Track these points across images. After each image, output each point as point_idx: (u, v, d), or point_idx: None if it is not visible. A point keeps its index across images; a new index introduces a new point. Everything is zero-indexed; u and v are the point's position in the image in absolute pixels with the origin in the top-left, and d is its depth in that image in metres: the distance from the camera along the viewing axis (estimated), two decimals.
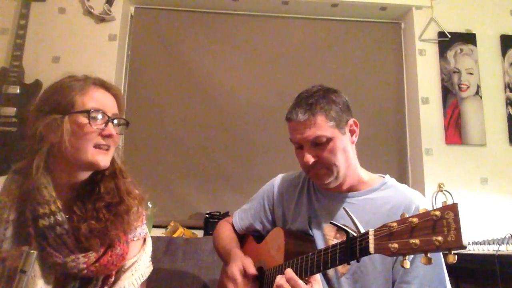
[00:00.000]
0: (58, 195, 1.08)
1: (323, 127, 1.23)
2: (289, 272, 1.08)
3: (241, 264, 1.32)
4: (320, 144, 1.24)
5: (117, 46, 2.66)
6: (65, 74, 1.15)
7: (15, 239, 1.03)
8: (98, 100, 1.11)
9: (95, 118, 1.08)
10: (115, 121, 1.13)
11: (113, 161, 1.17)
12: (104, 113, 1.10)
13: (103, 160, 1.10)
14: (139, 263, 1.21)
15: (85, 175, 1.14)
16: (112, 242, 1.13)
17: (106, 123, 1.10)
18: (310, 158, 1.24)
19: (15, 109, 2.40)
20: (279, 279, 1.09)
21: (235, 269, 1.31)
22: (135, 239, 1.23)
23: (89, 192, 1.15)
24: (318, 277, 1.11)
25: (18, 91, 2.43)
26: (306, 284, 1.07)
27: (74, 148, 1.05)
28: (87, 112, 1.06)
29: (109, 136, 1.10)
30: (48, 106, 1.09)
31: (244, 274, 1.31)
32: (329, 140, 1.24)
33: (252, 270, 1.30)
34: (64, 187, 1.12)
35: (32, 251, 0.78)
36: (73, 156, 1.06)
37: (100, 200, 1.13)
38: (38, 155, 1.06)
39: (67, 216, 1.08)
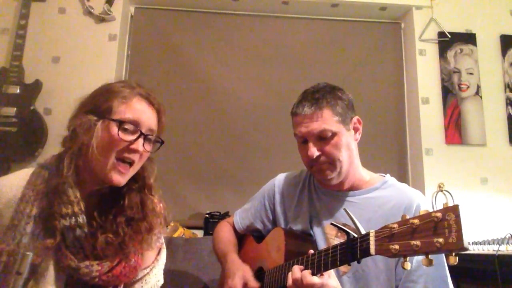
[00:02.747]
0: (82, 197, 1.06)
1: (329, 121, 1.24)
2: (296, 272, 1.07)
3: (242, 276, 1.31)
4: (325, 139, 1.24)
5: (117, 46, 2.66)
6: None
7: (34, 234, 1.01)
8: (137, 112, 1.07)
9: (127, 131, 1.05)
10: (148, 138, 1.10)
11: (144, 176, 1.15)
12: (137, 127, 1.06)
13: (118, 178, 1.06)
14: (150, 275, 1.18)
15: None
16: (128, 254, 1.10)
17: (137, 138, 1.06)
18: (315, 152, 1.24)
19: (15, 109, 2.39)
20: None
21: (238, 282, 1.30)
22: (149, 248, 1.18)
23: (112, 202, 1.12)
24: (332, 271, 1.08)
25: (18, 91, 2.43)
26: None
27: (98, 153, 1.03)
28: (119, 122, 1.04)
29: (135, 151, 1.06)
30: (89, 105, 1.08)
31: (245, 286, 1.31)
32: (334, 134, 1.24)
33: (254, 284, 1.30)
34: (88, 191, 1.09)
35: (27, 253, 0.76)
36: (95, 162, 1.04)
37: (121, 214, 1.10)
38: (69, 153, 1.05)
39: (87, 220, 1.06)
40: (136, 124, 1.06)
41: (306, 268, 1.09)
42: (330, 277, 1.06)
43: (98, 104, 1.07)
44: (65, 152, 1.06)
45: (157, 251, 1.23)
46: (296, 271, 1.07)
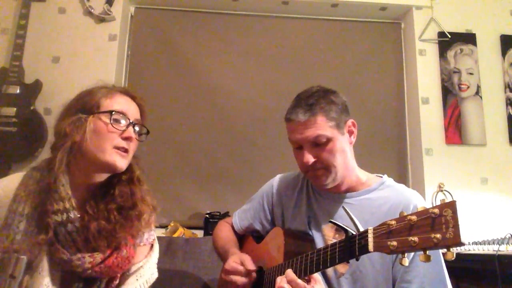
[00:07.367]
0: (73, 193, 1.10)
1: (323, 127, 1.24)
2: (290, 273, 1.07)
3: (239, 258, 1.33)
4: (319, 145, 1.24)
5: (117, 46, 2.66)
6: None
7: (27, 232, 1.05)
8: (123, 104, 1.17)
9: (117, 121, 1.13)
10: (136, 128, 1.18)
11: (132, 169, 1.21)
12: (126, 117, 1.15)
13: (120, 162, 1.13)
14: (144, 268, 1.22)
15: (102, 177, 1.16)
16: (119, 245, 1.14)
17: (127, 127, 1.14)
18: (310, 158, 1.25)
19: (15, 109, 2.40)
20: (280, 281, 1.08)
21: (232, 262, 1.31)
22: (141, 244, 1.23)
23: (104, 193, 1.17)
24: (318, 276, 1.11)
25: (18, 91, 2.43)
26: (307, 283, 1.06)
27: (94, 146, 1.09)
28: (110, 113, 1.12)
29: (129, 138, 1.14)
30: (75, 107, 1.15)
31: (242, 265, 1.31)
32: (329, 140, 1.24)
33: (251, 265, 1.30)
34: (80, 186, 1.14)
35: (22, 257, 0.78)
36: (93, 154, 1.10)
37: (112, 202, 1.15)
38: (61, 150, 1.09)
39: (79, 215, 1.10)
40: (124, 113, 1.15)
41: (305, 267, 1.10)
42: (317, 283, 1.08)
43: (84, 103, 1.14)
44: (57, 149, 1.10)
45: (149, 246, 1.27)
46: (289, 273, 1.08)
